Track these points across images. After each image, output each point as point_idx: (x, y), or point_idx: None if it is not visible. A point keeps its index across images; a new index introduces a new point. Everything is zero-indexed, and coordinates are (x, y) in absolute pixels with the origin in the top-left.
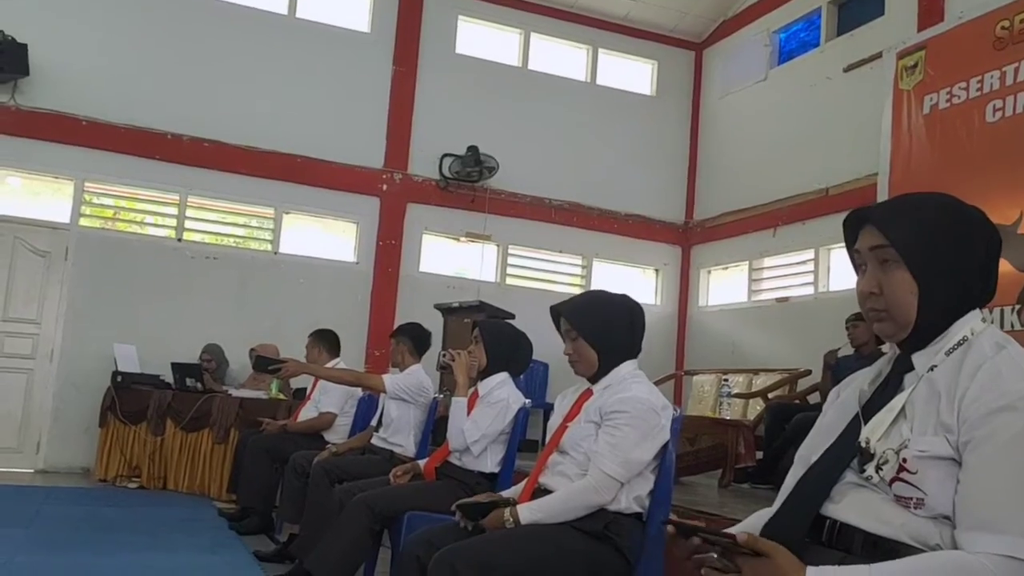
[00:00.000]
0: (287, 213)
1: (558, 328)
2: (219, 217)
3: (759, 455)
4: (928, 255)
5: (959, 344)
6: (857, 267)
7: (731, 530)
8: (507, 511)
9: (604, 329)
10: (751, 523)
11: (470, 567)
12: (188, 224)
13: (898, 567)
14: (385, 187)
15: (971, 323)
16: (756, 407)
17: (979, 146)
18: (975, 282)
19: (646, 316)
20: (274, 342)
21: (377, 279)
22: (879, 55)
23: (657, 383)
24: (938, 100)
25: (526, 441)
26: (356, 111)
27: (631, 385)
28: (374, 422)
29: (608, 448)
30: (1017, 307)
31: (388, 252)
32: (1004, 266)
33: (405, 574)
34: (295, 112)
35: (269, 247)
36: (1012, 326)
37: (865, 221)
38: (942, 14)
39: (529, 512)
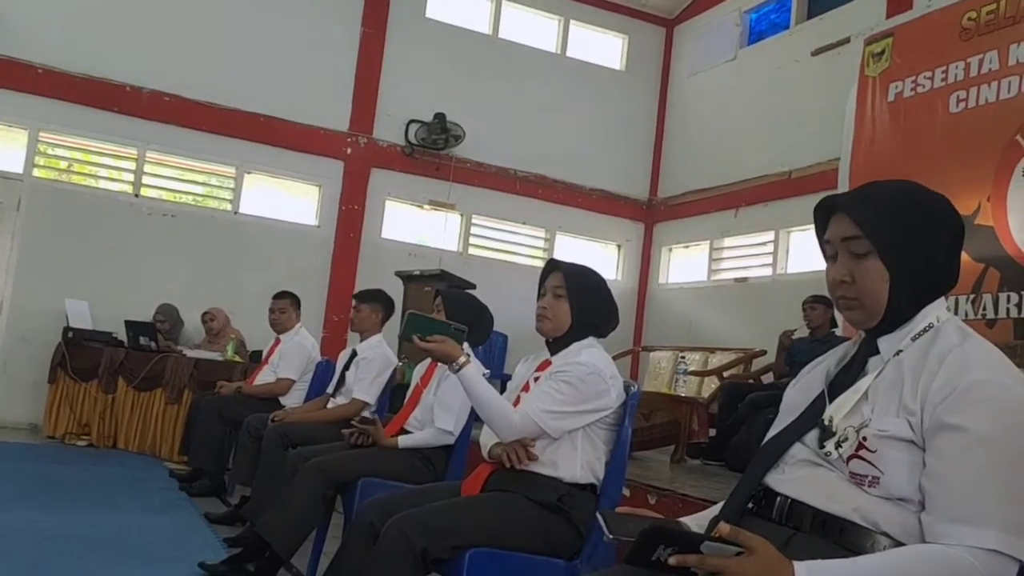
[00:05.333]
0: (248, 173)
1: (542, 282)
2: (178, 174)
3: (712, 432)
4: (899, 244)
5: (925, 330)
6: (828, 256)
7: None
8: (462, 358)
9: (591, 303)
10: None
11: (423, 535)
12: (146, 180)
13: (883, 561)
14: (349, 151)
15: (937, 311)
16: (711, 385)
17: (941, 136)
18: (942, 268)
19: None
20: (231, 303)
21: (338, 244)
22: (847, 40)
23: (615, 358)
24: (903, 88)
25: None
26: (322, 72)
27: (582, 351)
28: (330, 389)
29: (543, 394)
30: (972, 296)
31: (350, 217)
32: (962, 256)
33: (358, 540)
34: (259, 69)
35: (229, 206)
36: (967, 315)
37: (835, 209)
38: (911, 2)
39: (470, 375)
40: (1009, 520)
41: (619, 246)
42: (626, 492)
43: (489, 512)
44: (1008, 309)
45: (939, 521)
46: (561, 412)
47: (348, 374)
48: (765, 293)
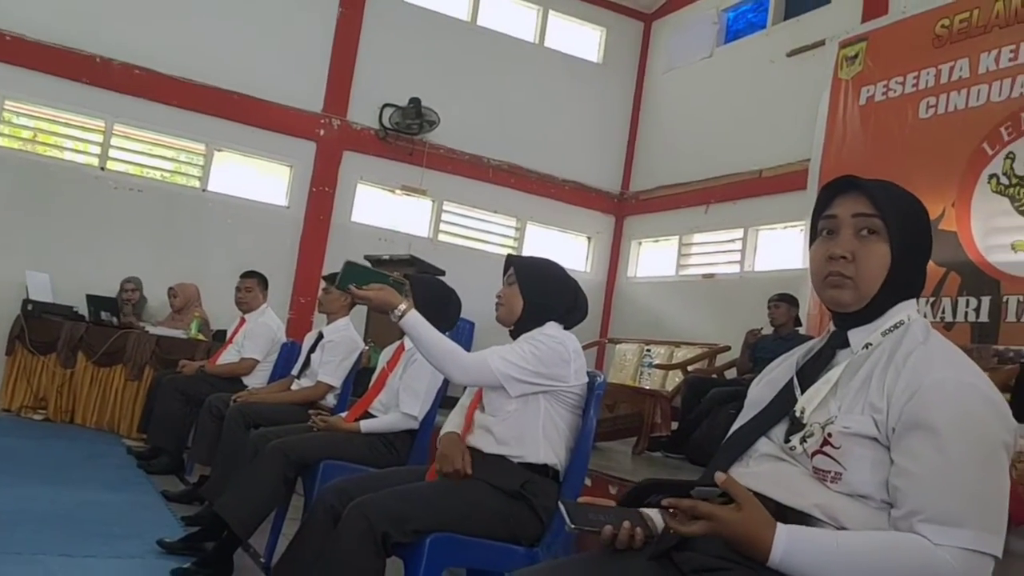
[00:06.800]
0: (219, 150)
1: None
2: (146, 148)
3: (674, 425)
4: (907, 237)
5: (896, 326)
6: (818, 232)
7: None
8: (403, 305)
9: (540, 289)
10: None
11: (384, 519)
12: (113, 153)
13: (863, 540)
14: (322, 132)
15: (908, 309)
16: (675, 379)
17: (910, 141)
18: (923, 273)
19: (577, 283)
20: (197, 281)
21: (308, 226)
22: (822, 43)
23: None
24: (875, 92)
25: (448, 398)
26: (297, 51)
27: (546, 327)
28: (296, 371)
29: (504, 348)
30: (932, 299)
31: (321, 199)
32: None
33: (318, 522)
34: (233, 46)
35: (197, 183)
36: (926, 317)
37: (850, 189)
38: (886, 7)
39: (413, 321)
40: (982, 518)
41: (589, 238)
42: (588, 482)
43: (451, 498)
44: (967, 313)
45: (916, 521)
46: (516, 365)
47: (314, 356)
48: (732, 290)
